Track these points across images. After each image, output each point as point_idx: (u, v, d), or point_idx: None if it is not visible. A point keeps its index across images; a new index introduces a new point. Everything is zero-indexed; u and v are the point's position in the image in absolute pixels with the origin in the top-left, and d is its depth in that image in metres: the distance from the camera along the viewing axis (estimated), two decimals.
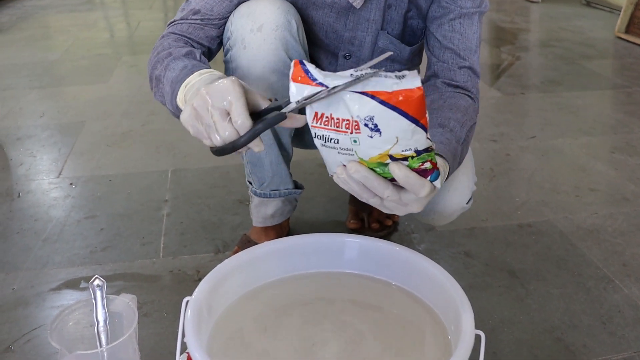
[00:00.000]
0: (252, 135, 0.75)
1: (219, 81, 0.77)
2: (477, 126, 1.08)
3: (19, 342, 1.16)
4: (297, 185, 1.35)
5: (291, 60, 1.10)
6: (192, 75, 0.91)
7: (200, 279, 1.01)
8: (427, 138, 0.66)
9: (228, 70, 1.14)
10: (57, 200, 1.71)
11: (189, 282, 1.34)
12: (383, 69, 0.66)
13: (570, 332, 1.18)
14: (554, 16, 4.25)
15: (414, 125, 0.64)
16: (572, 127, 2.24)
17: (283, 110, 0.75)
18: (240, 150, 0.77)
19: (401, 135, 0.65)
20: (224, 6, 1.11)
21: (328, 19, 1.16)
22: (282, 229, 1.42)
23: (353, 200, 1.58)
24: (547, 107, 2.46)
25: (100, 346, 0.90)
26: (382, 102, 0.64)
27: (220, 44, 1.16)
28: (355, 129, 0.67)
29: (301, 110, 0.72)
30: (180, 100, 0.91)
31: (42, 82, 2.85)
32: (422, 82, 1.14)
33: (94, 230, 1.56)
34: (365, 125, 0.66)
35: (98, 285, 0.90)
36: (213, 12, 1.12)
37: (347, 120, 0.67)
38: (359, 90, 0.65)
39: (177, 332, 0.81)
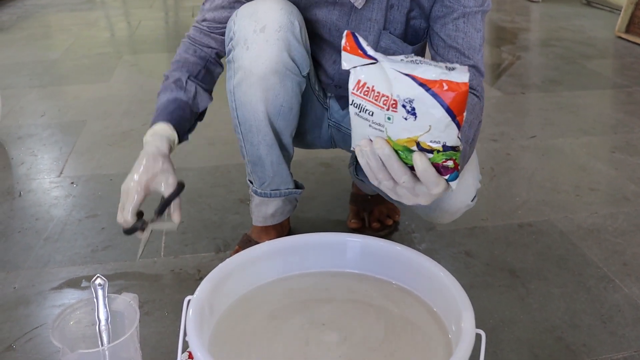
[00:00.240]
0: (131, 230, 1.08)
1: (131, 178, 1.09)
2: None
3: (20, 340, 1.16)
4: (297, 185, 1.35)
5: (293, 61, 1.11)
6: (150, 129, 1.15)
7: (201, 278, 1.01)
8: (458, 137, 0.66)
9: (230, 70, 1.15)
10: (58, 200, 1.72)
11: (190, 281, 1.34)
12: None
13: (571, 332, 1.18)
14: (554, 16, 4.25)
15: (449, 118, 0.65)
16: (573, 127, 2.24)
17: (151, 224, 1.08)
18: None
19: (434, 125, 0.66)
20: (228, 17, 1.18)
21: (331, 17, 1.16)
22: (283, 228, 1.42)
23: (354, 199, 1.58)
24: (548, 107, 2.46)
25: (102, 345, 0.90)
26: (425, 88, 0.65)
27: None
28: (393, 107, 0.68)
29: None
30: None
31: (42, 81, 2.85)
32: None
33: (95, 229, 1.56)
34: (403, 106, 0.66)
35: (100, 284, 0.90)
36: (216, 21, 1.21)
37: (387, 96, 0.68)
38: (405, 72, 0.66)
39: (179, 331, 0.81)
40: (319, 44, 1.22)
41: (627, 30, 3.53)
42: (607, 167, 1.91)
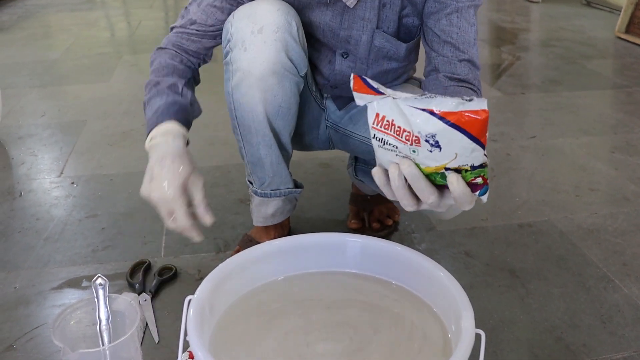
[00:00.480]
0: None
1: (159, 185, 1.03)
2: None
3: (21, 340, 1.16)
4: (297, 185, 1.35)
5: (291, 61, 1.11)
6: (155, 129, 1.09)
7: (201, 278, 1.01)
8: (484, 155, 0.67)
9: (228, 72, 1.15)
10: (58, 200, 1.72)
11: (190, 281, 1.34)
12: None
13: (571, 332, 1.18)
14: (554, 16, 4.25)
15: (474, 144, 0.65)
16: (573, 127, 2.25)
17: None
18: None
19: (460, 152, 0.67)
20: (219, 18, 1.17)
21: (324, 18, 1.16)
22: (283, 228, 1.43)
23: (354, 200, 1.59)
24: (548, 107, 2.46)
25: (103, 345, 0.90)
26: (446, 122, 0.65)
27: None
28: (416, 142, 0.68)
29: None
30: (146, 147, 1.09)
31: (43, 81, 2.86)
32: (425, 76, 1.14)
33: (95, 229, 1.56)
34: (426, 141, 0.67)
35: (100, 284, 0.91)
36: (207, 23, 1.19)
37: (408, 132, 0.68)
38: (422, 107, 0.67)
39: (179, 330, 0.81)
40: (314, 45, 1.22)
41: (627, 30, 3.54)
42: (607, 167, 1.91)
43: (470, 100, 0.65)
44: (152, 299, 1.26)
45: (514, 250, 1.45)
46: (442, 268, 0.86)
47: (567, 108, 2.44)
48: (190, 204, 1.00)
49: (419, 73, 1.37)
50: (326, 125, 1.34)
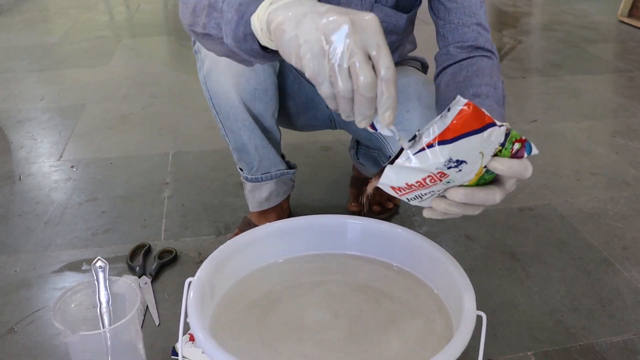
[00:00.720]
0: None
1: (363, 14, 0.64)
2: None
3: (22, 323, 1.16)
4: (290, 166, 1.35)
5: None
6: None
7: (201, 261, 1.01)
8: (500, 126, 0.65)
9: (199, 61, 1.14)
10: (58, 183, 1.71)
11: (190, 264, 1.34)
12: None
13: (571, 315, 1.18)
14: None
15: (485, 132, 0.64)
16: (574, 111, 2.24)
17: None
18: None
19: (482, 148, 0.65)
20: None
21: None
22: (283, 211, 1.42)
23: (354, 182, 1.58)
24: (549, 91, 2.45)
25: (103, 327, 0.91)
26: (448, 141, 0.64)
27: None
28: (443, 176, 0.67)
29: None
30: (258, 20, 0.70)
31: (41, 65, 2.84)
32: (437, 52, 1.11)
33: (95, 212, 1.56)
34: (449, 167, 0.66)
35: (100, 267, 0.91)
36: None
37: (430, 175, 0.67)
38: (420, 148, 0.65)
39: (180, 313, 0.81)
40: None
41: (630, 14, 3.51)
42: (608, 152, 1.90)
43: (448, 109, 0.64)
44: (152, 282, 1.26)
45: (514, 234, 1.45)
46: (443, 250, 0.85)
47: (568, 92, 2.44)
48: None
49: (422, 53, 1.37)
50: (326, 106, 1.32)
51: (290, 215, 1.48)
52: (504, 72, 2.64)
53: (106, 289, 0.91)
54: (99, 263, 0.90)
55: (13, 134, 2.07)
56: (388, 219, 1.50)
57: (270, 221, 1.34)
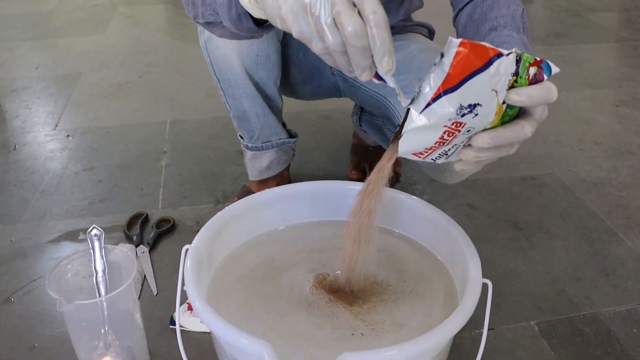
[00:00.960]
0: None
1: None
2: None
3: (19, 293, 1.15)
4: (291, 134, 1.32)
5: None
6: None
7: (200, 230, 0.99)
8: (508, 54, 0.60)
9: (199, 26, 1.10)
10: (54, 153, 1.69)
11: (188, 233, 1.32)
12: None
13: (574, 284, 1.17)
14: None
15: (492, 67, 0.59)
16: (577, 80, 2.21)
17: None
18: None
19: (493, 84, 0.61)
20: None
21: None
22: (283, 180, 1.40)
23: (355, 150, 1.56)
24: (552, 60, 2.34)
25: (99, 296, 0.89)
26: (454, 88, 0.59)
27: None
28: (459, 126, 0.63)
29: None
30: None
31: (36, 33, 2.80)
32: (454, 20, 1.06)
33: (91, 182, 1.54)
34: (464, 115, 0.61)
35: (96, 235, 0.88)
36: None
37: (446, 130, 0.63)
38: (426, 104, 0.61)
39: (177, 282, 0.79)
40: None
41: None
42: (612, 121, 1.88)
43: (441, 55, 0.59)
44: (150, 251, 1.24)
45: (517, 203, 1.43)
46: (448, 217, 0.84)
47: (571, 61, 2.40)
48: None
49: (425, 17, 1.33)
50: (333, 73, 1.29)
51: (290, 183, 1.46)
52: None
53: (102, 258, 0.89)
54: (94, 231, 0.88)
55: (8, 103, 2.03)
56: (390, 187, 1.48)
57: None
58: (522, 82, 0.62)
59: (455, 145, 0.66)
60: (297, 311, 0.78)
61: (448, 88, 0.59)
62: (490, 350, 0.99)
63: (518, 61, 0.61)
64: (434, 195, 1.45)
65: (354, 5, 0.58)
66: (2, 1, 3.39)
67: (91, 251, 0.89)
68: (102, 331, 0.88)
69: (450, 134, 0.63)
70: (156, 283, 1.16)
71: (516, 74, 0.61)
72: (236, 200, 1.35)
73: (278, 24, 0.62)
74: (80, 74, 2.27)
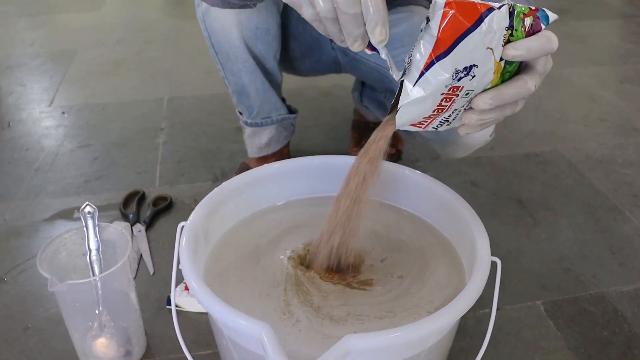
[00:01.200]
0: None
1: None
2: None
3: (12, 272, 1.12)
4: (291, 110, 1.29)
5: None
6: None
7: None
8: (498, 8, 0.56)
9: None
10: (49, 130, 1.66)
11: (186, 211, 1.29)
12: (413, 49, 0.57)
13: (580, 262, 1.14)
14: None
15: (483, 24, 0.55)
16: (581, 57, 2.17)
17: None
18: None
19: (488, 42, 0.57)
20: None
21: None
22: (283, 157, 1.37)
23: (356, 127, 1.53)
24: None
25: (93, 275, 0.86)
26: (445, 53, 0.56)
27: None
28: (456, 90, 0.59)
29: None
30: None
31: (31, 10, 2.76)
32: None
33: (87, 159, 1.51)
34: (460, 79, 0.58)
35: (89, 213, 0.86)
36: None
37: (443, 96, 0.59)
38: (419, 73, 0.57)
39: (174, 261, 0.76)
40: None
41: None
42: (616, 98, 1.85)
43: (427, 19, 0.55)
44: (146, 230, 1.22)
45: (521, 180, 1.41)
46: (455, 193, 0.81)
47: (574, 37, 2.36)
48: None
49: None
50: (333, 47, 1.26)
51: None
52: None
53: (95, 236, 0.86)
54: (88, 208, 0.85)
55: (2, 80, 2.00)
56: None
57: None
58: (519, 35, 0.58)
59: (456, 110, 0.62)
60: (297, 291, 0.75)
61: (440, 54, 0.56)
62: (495, 331, 0.96)
63: (511, 13, 0.57)
64: (437, 173, 1.43)
65: None
66: None
67: (84, 229, 0.86)
68: (97, 312, 0.85)
69: (448, 100, 0.60)
70: (153, 262, 1.13)
71: (511, 27, 0.57)
72: None
73: None
74: (76, 51, 2.23)
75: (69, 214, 1.29)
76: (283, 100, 1.29)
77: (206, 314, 0.94)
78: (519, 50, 0.57)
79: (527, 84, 0.61)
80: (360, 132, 1.51)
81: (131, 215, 1.25)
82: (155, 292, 1.06)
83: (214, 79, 1.93)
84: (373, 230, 0.86)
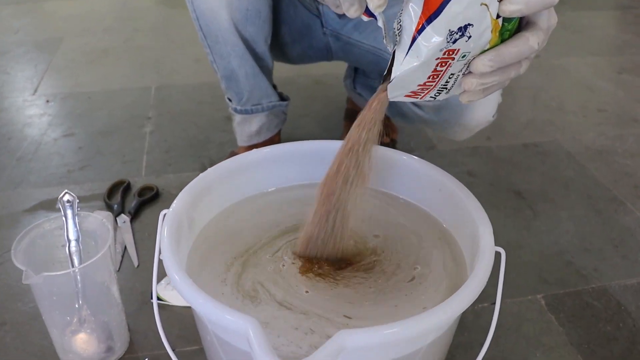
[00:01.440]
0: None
1: None
2: None
3: None
4: (282, 97, 1.25)
5: None
6: None
7: None
8: None
9: None
10: (32, 118, 1.60)
11: (173, 201, 1.24)
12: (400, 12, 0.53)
13: (581, 255, 1.10)
14: None
15: None
16: (578, 47, 2.14)
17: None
18: None
19: None
20: None
21: None
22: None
23: (349, 115, 1.49)
24: None
25: (73, 267, 0.81)
26: (436, 13, 0.51)
27: None
28: (452, 53, 0.54)
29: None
30: None
31: None
32: None
33: (71, 148, 1.46)
34: (454, 41, 0.53)
35: (68, 201, 0.81)
36: None
37: (438, 61, 0.54)
38: (410, 41, 0.53)
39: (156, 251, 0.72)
40: None
41: None
42: (615, 88, 1.81)
43: None
44: (131, 221, 1.17)
45: (519, 171, 1.37)
46: (456, 180, 0.76)
47: (571, 28, 2.33)
48: None
49: None
50: (324, 33, 1.21)
51: None
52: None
53: (75, 226, 0.81)
54: (67, 197, 0.81)
55: None
56: None
57: None
58: None
59: (452, 75, 0.57)
60: (286, 284, 0.70)
61: (430, 14, 0.51)
62: (495, 326, 0.92)
63: None
64: (432, 162, 1.38)
65: None
66: None
67: (63, 219, 0.81)
68: (76, 306, 0.81)
69: (444, 64, 0.55)
70: (137, 254, 1.09)
71: None
72: None
73: None
74: (62, 39, 2.18)
75: (51, 205, 1.24)
76: (274, 86, 1.25)
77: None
78: (515, 5, 0.52)
79: (528, 41, 0.56)
80: (353, 121, 1.46)
81: (115, 206, 1.20)
82: (140, 286, 1.02)
83: (203, 67, 1.88)
84: (366, 219, 0.81)
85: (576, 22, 2.40)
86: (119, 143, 1.47)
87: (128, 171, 1.35)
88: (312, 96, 1.72)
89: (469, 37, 0.53)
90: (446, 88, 0.59)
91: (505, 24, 0.55)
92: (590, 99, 1.74)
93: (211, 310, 0.56)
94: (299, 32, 1.21)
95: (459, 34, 0.52)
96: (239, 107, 1.22)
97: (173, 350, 0.69)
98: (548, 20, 0.57)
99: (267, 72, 1.18)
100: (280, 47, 1.24)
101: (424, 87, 0.57)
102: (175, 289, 0.60)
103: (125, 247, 1.10)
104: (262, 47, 1.13)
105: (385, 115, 0.70)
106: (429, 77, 0.56)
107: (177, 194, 1.25)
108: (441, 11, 0.50)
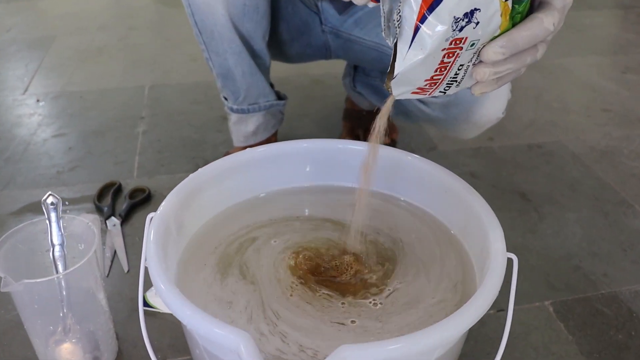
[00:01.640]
0: None
1: None
2: None
3: None
4: (280, 96, 1.21)
5: None
6: None
7: None
8: None
9: None
10: (21, 118, 1.56)
11: None
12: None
13: (590, 260, 1.06)
14: None
15: None
16: (580, 46, 2.10)
17: None
18: None
19: None
20: None
21: None
22: None
23: (348, 115, 1.45)
24: None
25: (57, 273, 0.77)
26: (436, 3, 0.47)
27: None
28: (459, 42, 0.50)
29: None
30: None
31: None
32: None
33: (61, 149, 1.41)
34: (460, 28, 0.49)
35: (52, 204, 0.76)
36: None
37: (445, 52, 0.50)
38: (412, 32, 0.49)
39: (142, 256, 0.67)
40: None
41: None
42: (619, 88, 1.77)
43: None
44: (122, 224, 1.12)
45: (523, 172, 1.32)
46: (463, 181, 0.72)
47: (573, 27, 2.29)
48: None
49: None
50: (323, 30, 1.17)
51: None
52: None
53: (59, 230, 0.77)
54: (50, 199, 0.76)
55: None
56: None
57: None
58: None
59: (462, 66, 0.53)
60: (281, 293, 0.66)
61: (432, 2, 0.47)
62: (502, 334, 0.88)
63: None
64: None
65: None
66: None
67: (47, 222, 0.77)
68: (60, 314, 0.76)
69: (451, 55, 0.51)
70: (128, 259, 1.04)
71: None
72: None
73: None
74: (54, 37, 2.14)
75: (39, 207, 1.20)
76: (271, 85, 1.21)
77: None
78: None
79: (543, 23, 0.52)
80: (352, 121, 1.43)
81: (106, 208, 1.16)
82: (130, 292, 0.97)
83: (199, 66, 1.84)
84: (367, 223, 0.77)
85: (578, 21, 2.36)
86: (110, 143, 1.43)
87: (119, 172, 1.31)
88: (310, 96, 1.68)
89: (477, 23, 0.49)
90: (456, 81, 0.54)
91: (516, 5, 0.51)
92: (594, 99, 1.70)
93: (199, 323, 0.51)
94: (297, 30, 1.17)
95: (465, 20, 0.48)
96: (235, 106, 1.18)
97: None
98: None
99: (264, 70, 1.14)
100: (277, 45, 1.20)
101: (432, 81, 0.53)
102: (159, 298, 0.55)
103: (115, 252, 1.06)
104: (260, 44, 1.09)
105: None
106: (436, 71, 0.52)
107: None
108: None
